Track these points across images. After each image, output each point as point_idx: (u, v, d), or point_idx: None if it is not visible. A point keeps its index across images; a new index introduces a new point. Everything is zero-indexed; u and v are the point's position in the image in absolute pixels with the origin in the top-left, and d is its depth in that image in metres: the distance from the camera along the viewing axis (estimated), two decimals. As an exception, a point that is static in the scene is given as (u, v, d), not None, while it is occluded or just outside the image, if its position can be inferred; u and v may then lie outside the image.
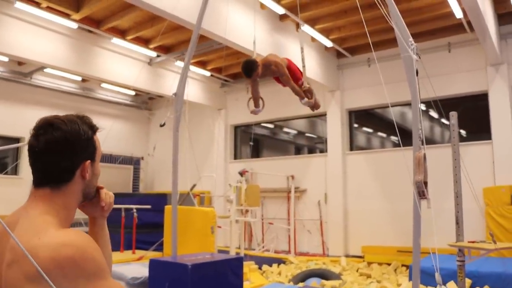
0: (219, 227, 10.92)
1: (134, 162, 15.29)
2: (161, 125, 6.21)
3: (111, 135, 14.04)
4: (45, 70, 12.41)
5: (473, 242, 5.71)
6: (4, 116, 12.50)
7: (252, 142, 15.08)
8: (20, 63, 12.46)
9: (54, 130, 1.37)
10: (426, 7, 9.44)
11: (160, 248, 9.93)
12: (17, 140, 12.92)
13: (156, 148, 15.25)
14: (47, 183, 1.39)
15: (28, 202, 1.40)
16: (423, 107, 11.69)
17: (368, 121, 12.94)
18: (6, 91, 12.57)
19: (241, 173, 11.01)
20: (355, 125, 12.85)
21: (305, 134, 14.84)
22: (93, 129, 1.48)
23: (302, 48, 5.77)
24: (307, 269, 9.24)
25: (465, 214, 5.68)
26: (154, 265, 5.81)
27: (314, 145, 14.22)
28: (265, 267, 9.87)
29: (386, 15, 4.71)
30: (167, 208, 9.95)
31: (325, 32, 10.59)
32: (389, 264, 9.88)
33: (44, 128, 1.38)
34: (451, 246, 5.69)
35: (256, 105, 5.95)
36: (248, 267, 9.23)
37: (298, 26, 9.89)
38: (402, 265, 9.78)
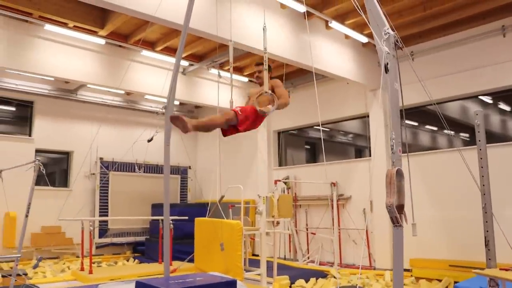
0: (252, 239, 10.54)
1: (181, 172, 15.29)
2: (148, 141, 5.94)
3: (157, 145, 14.12)
4: (88, 85, 12.75)
5: (506, 269, 4.78)
6: (54, 132, 13.04)
7: (308, 145, 14.50)
8: (66, 81, 12.91)
9: None
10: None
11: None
12: (66, 154, 13.42)
13: (204, 157, 15.18)
14: None
15: None
16: (488, 99, 10.49)
17: (426, 119, 11.82)
18: (53, 107, 13.10)
19: (284, 181, 10.51)
20: (415, 124, 11.83)
21: (363, 136, 13.97)
22: None
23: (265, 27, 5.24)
24: (339, 287, 8.55)
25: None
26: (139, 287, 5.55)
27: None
28: (299, 282, 9.29)
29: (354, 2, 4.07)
30: (197, 220, 9.75)
31: (358, 28, 9.80)
32: (439, 280, 8.88)
33: None
34: (476, 273, 4.83)
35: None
36: (279, 283, 8.74)
37: None
38: (455, 282, 8.75)
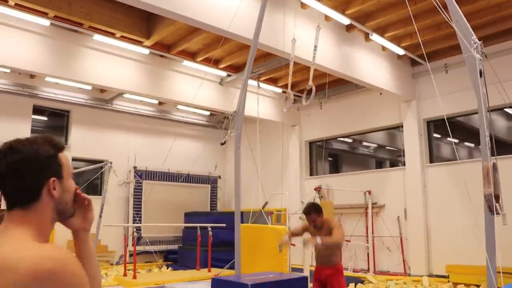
0: (293, 245, 10.70)
1: (211, 181, 15.54)
2: (222, 144, 6.23)
3: (188, 155, 14.50)
4: (124, 95, 13.09)
5: None
6: (89, 141, 13.32)
7: (330, 157, 14.77)
8: (102, 90, 13.23)
9: (14, 153, 1.39)
10: (508, 1, 8.69)
11: (234, 266, 9.89)
12: (100, 162, 13.65)
13: (233, 167, 15.42)
14: (17, 204, 1.40)
15: (3, 225, 1.41)
16: (512, 112, 10.82)
17: (453, 131, 12.12)
18: (89, 116, 13.40)
19: (316, 190, 10.78)
20: (438, 136, 12.14)
21: (386, 147, 14.27)
22: (57, 147, 1.47)
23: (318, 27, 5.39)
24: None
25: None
26: (216, 284, 5.76)
27: (396, 158, 13.59)
28: (341, 287, 9.45)
29: (442, 11, 4.38)
30: (241, 226, 9.94)
31: (396, 40, 10.16)
32: (478, 286, 9.08)
33: (4, 152, 1.40)
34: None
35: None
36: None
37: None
38: (494, 286, 8.96)
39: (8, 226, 1.38)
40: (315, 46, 5.73)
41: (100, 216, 6.75)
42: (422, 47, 7.85)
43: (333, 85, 12.66)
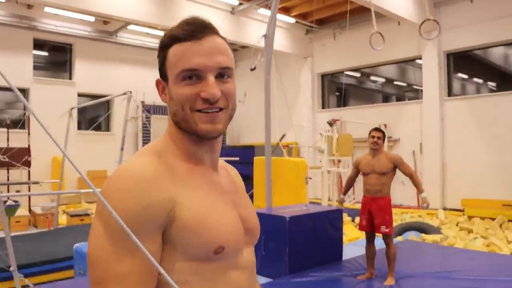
0: (310, 178, 10.62)
1: (220, 115, 15.26)
2: (252, 69, 5.94)
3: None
4: (128, 27, 12.49)
5: None
6: (92, 75, 12.88)
7: (340, 91, 14.47)
8: (105, 22, 12.62)
9: None
10: None
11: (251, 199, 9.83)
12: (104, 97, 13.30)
13: (241, 102, 15.12)
14: None
15: None
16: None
17: (465, 66, 11.75)
18: (93, 50, 12.88)
19: (331, 123, 10.53)
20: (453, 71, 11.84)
21: (394, 82, 13.93)
22: (172, 36, 1.04)
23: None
24: (403, 222, 8.76)
25: None
26: (249, 217, 5.62)
27: (404, 94, 13.32)
28: (358, 219, 9.49)
29: None
30: (257, 159, 9.79)
31: (420, -36, 9.60)
32: (493, 219, 9.12)
33: None
34: None
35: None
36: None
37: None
38: (509, 220, 9.01)
39: None
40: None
41: (122, 149, 6.53)
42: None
43: (351, 14, 12.10)
